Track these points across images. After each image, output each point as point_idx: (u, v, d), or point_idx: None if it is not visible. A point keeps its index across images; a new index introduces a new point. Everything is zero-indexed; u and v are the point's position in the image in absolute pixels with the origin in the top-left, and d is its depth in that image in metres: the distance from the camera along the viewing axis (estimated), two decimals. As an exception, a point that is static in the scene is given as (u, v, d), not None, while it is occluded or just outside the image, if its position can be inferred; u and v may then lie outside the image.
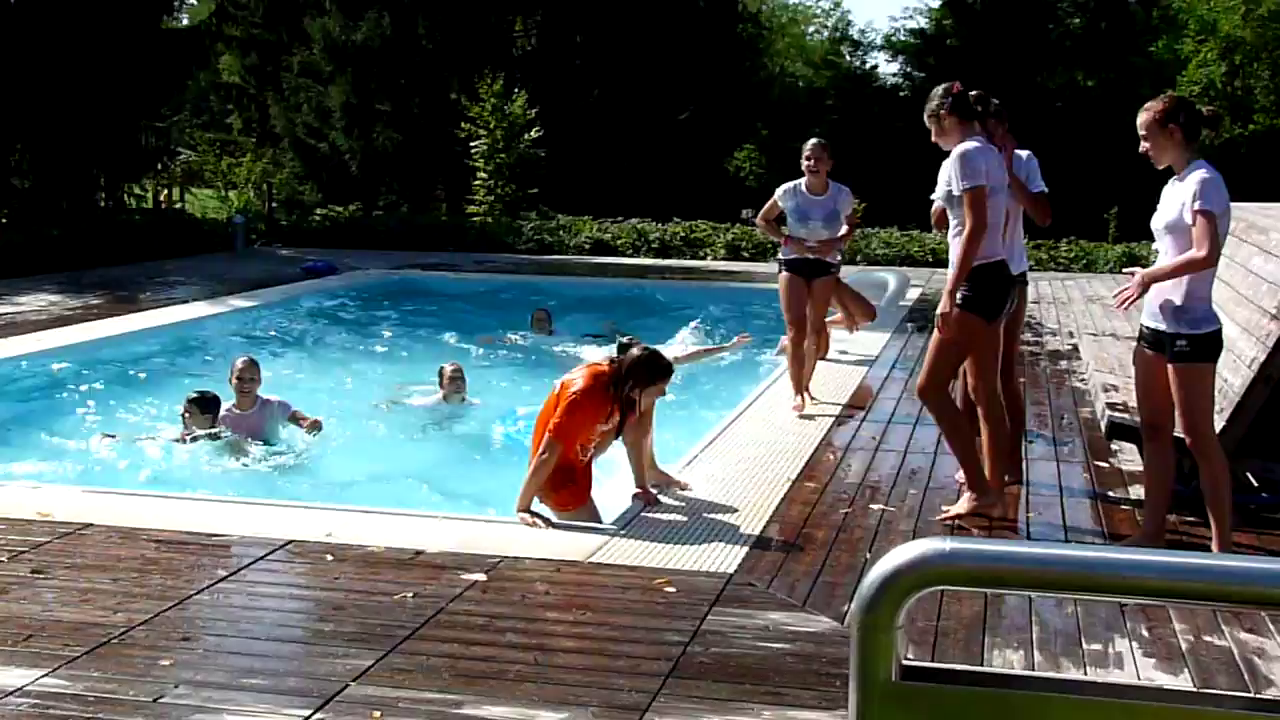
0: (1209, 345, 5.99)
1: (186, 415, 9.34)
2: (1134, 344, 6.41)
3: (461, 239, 23.25)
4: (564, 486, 6.95)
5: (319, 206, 28.32)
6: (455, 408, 10.47)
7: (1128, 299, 6.02)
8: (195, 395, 9.40)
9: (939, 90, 6.83)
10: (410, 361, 12.98)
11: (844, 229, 9.86)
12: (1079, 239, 21.28)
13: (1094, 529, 6.89)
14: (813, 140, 9.83)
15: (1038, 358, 12.34)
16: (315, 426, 9.30)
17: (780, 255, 9.94)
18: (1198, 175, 5.89)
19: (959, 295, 6.70)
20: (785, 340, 10.17)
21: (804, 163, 9.67)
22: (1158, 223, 6.10)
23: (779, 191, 9.76)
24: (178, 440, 9.24)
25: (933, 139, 6.86)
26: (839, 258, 10.18)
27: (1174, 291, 5.96)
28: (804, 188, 9.72)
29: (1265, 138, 27.67)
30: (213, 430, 9.22)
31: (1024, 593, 5.22)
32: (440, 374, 10.61)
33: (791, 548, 6.35)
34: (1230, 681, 4.80)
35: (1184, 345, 5.94)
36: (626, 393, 6.96)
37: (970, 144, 6.66)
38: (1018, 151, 7.54)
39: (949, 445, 7.21)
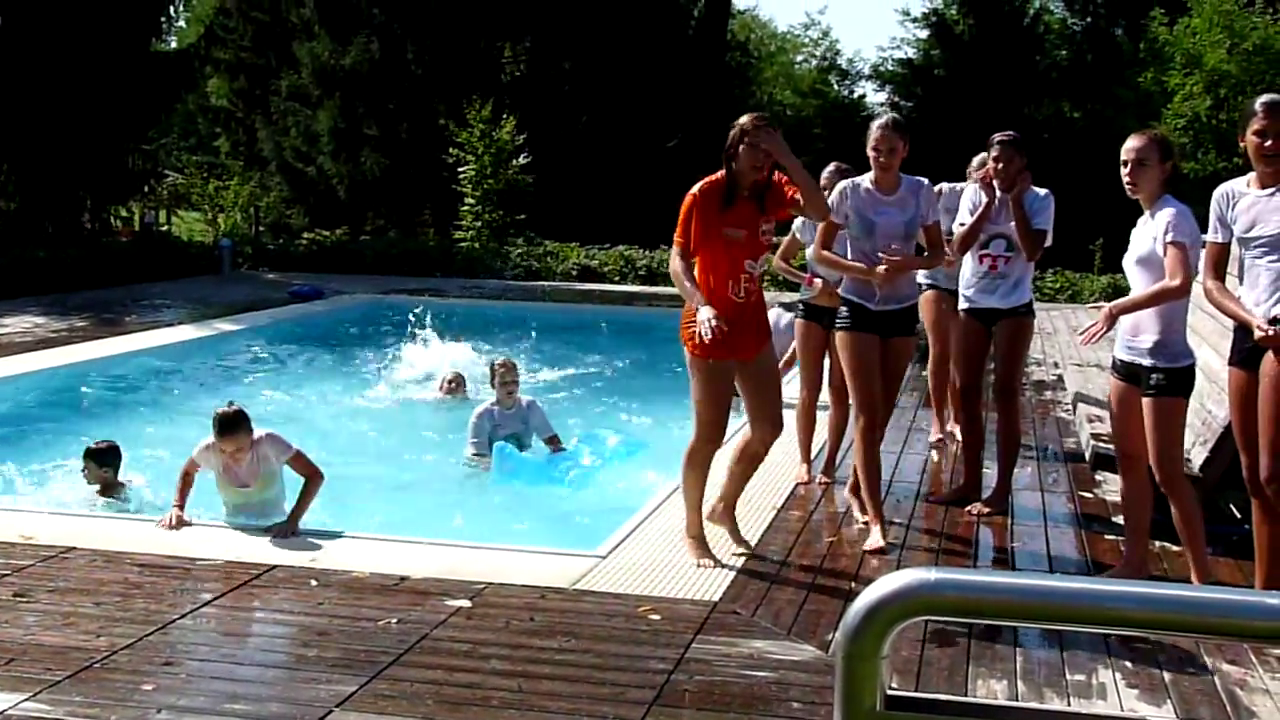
0: (1185, 380, 6.01)
1: (85, 470, 8.27)
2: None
3: (449, 264, 23.26)
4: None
5: (306, 230, 28.31)
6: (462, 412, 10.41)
7: (1096, 334, 5.99)
8: (92, 447, 8.30)
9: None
10: (395, 386, 12.96)
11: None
12: (1064, 270, 21.35)
13: (1078, 559, 6.91)
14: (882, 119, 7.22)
15: (1023, 388, 12.36)
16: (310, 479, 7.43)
17: (843, 293, 7.30)
18: (1168, 209, 5.93)
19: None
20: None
21: (870, 153, 7.07)
22: (1129, 259, 6.13)
23: (834, 196, 7.13)
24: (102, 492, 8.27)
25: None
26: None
27: (1151, 325, 5.97)
28: (868, 185, 7.10)
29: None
30: (118, 482, 8.30)
31: (1008, 623, 5.23)
32: (490, 372, 10.33)
33: (776, 576, 6.35)
34: (1213, 713, 4.81)
35: (1160, 379, 5.95)
36: (737, 163, 6.29)
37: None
38: (1036, 189, 7.62)
39: None
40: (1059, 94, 34.46)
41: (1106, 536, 7.26)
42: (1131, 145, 6.05)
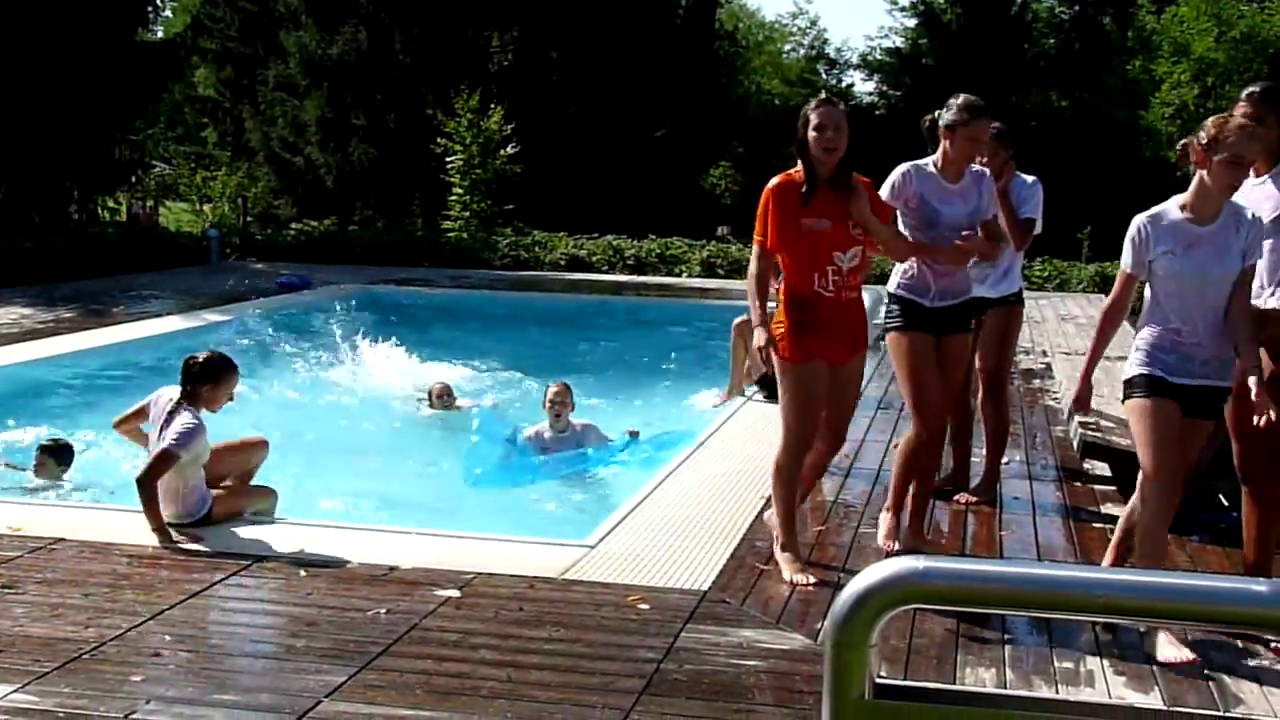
0: None
1: (40, 466, 8.32)
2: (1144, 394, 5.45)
3: (437, 254, 23.23)
4: (796, 328, 6.03)
5: (294, 221, 28.26)
6: (451, 416, 10.37)
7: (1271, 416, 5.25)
8: (49, 444, 8.42)
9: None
10: (384, 377, 12.95)
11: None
12: (1052, 258, 21.38)
13: (1066, 547, 6.92)
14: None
15: (1011, 376, 12.37)
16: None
17: (894, 290, 6.63)
18: (1250, 214, 5.33)
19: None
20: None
21: (963, 143, 6.47)
22: (1214, 267, 5.26)
23: (896, 178, 6.48)
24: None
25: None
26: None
27: (1227, 344, 5.41)
28: (931, 170, 6.51)
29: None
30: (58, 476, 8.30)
31: (996, 611, 5.24)
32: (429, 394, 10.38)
33: (765, 565, 6.35)
34: (1200, 700, 4.82)
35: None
36: (809, 153, 5.92)
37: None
38: (1023, 176, 7.60)
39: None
40: (1047, 82, 34.55)
41: (1094, 525, 7.27)
42: (1248, 138, 5.18)
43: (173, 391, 7.00)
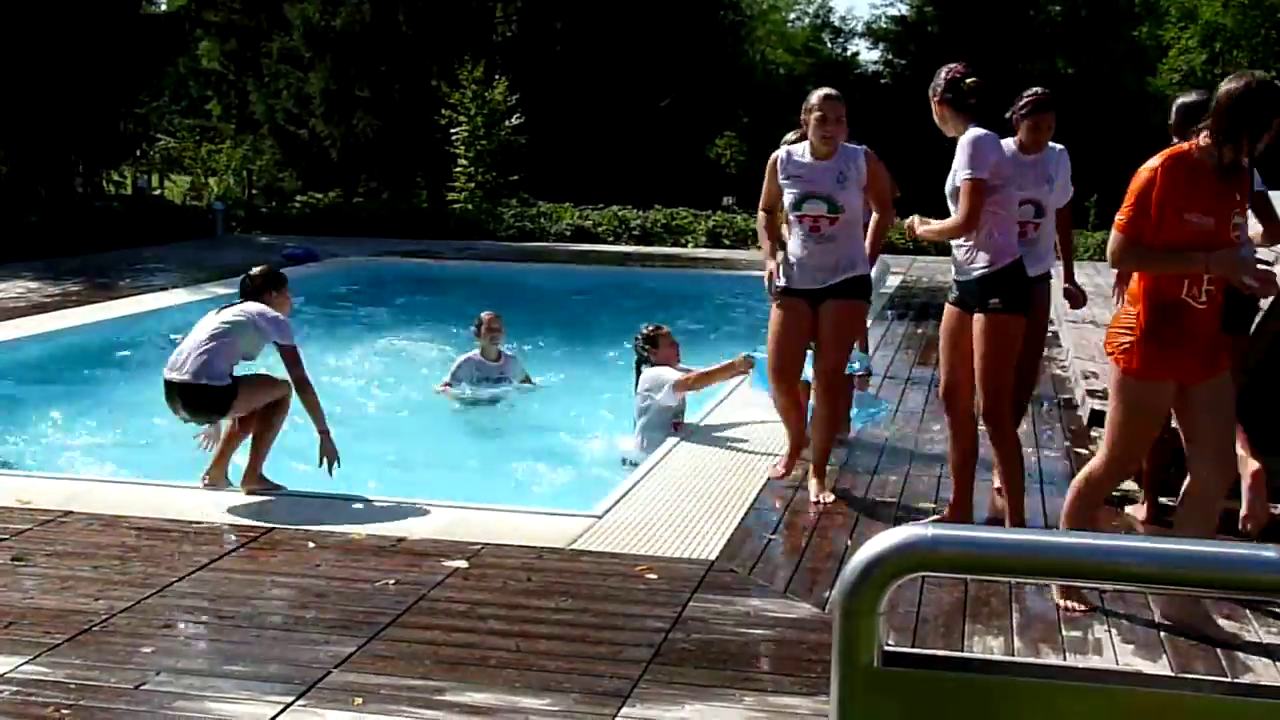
0: None
1: None
2: None
3: (442, 226, 23.23)
4: (1152, 338, 5.03)
5: (299, 193, 28.23)
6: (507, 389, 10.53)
7: None
8: None
9: (941, 72, 6.51)
10: (391, 348, 12.96)
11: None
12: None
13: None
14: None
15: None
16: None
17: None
18: None
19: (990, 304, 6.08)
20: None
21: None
22: None
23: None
24: None
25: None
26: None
27: None
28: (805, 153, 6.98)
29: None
30: None
31: (1005, 579, 5.25)
32: (478, 323, 10.60)
33: (773, 535, 6.36)
34: (1207, 667, 4.83)
35: None
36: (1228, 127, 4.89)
37: (976, 131, 6.14)
38: (1052, 145, 7.53)
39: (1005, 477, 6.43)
40: (1053, 50, 34.39)
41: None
42: None
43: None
